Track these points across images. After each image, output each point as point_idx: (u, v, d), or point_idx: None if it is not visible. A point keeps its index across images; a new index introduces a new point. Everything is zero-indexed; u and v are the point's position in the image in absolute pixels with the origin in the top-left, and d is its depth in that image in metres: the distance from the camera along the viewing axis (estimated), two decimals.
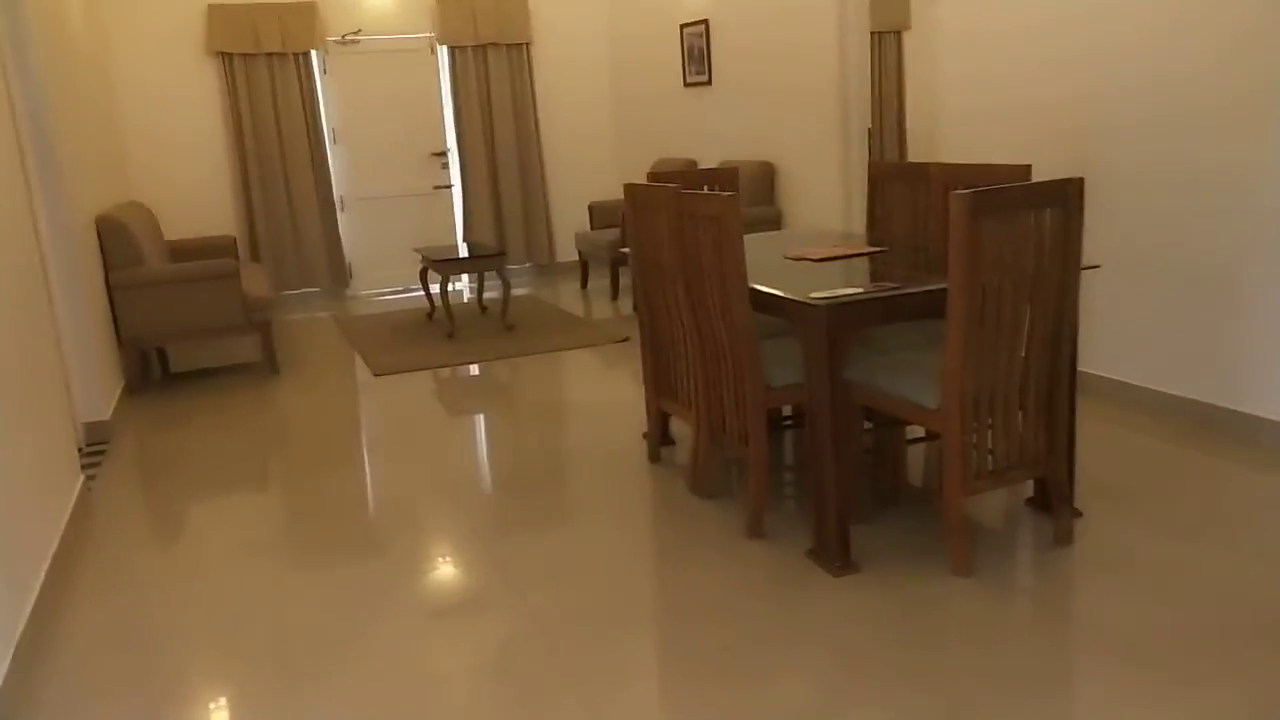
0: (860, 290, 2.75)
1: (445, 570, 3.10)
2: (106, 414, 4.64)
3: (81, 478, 3.84)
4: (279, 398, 5.29)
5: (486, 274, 7.29)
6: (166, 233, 7.51)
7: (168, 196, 7.63)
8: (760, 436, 3.07)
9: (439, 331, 6.57)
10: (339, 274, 8.21)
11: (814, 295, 2.73)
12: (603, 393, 5.00)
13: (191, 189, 7.71)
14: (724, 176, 4.31)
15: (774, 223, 6.54)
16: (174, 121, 7.59)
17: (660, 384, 3.79)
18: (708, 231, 3.05)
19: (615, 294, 7.43)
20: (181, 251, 6.91)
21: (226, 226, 7.80)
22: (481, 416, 4.75)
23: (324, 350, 6.39)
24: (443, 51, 8.25)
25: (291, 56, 7.73)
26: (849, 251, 3.49)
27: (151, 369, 6.05)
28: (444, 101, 8.35)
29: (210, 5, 7.48)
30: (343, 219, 8.22)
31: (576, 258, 8.31)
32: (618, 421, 4.47)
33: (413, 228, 8.45)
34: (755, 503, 3.11)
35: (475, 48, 8.25)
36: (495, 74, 8.34)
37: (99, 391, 4.69)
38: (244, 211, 7.82)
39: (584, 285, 8.01)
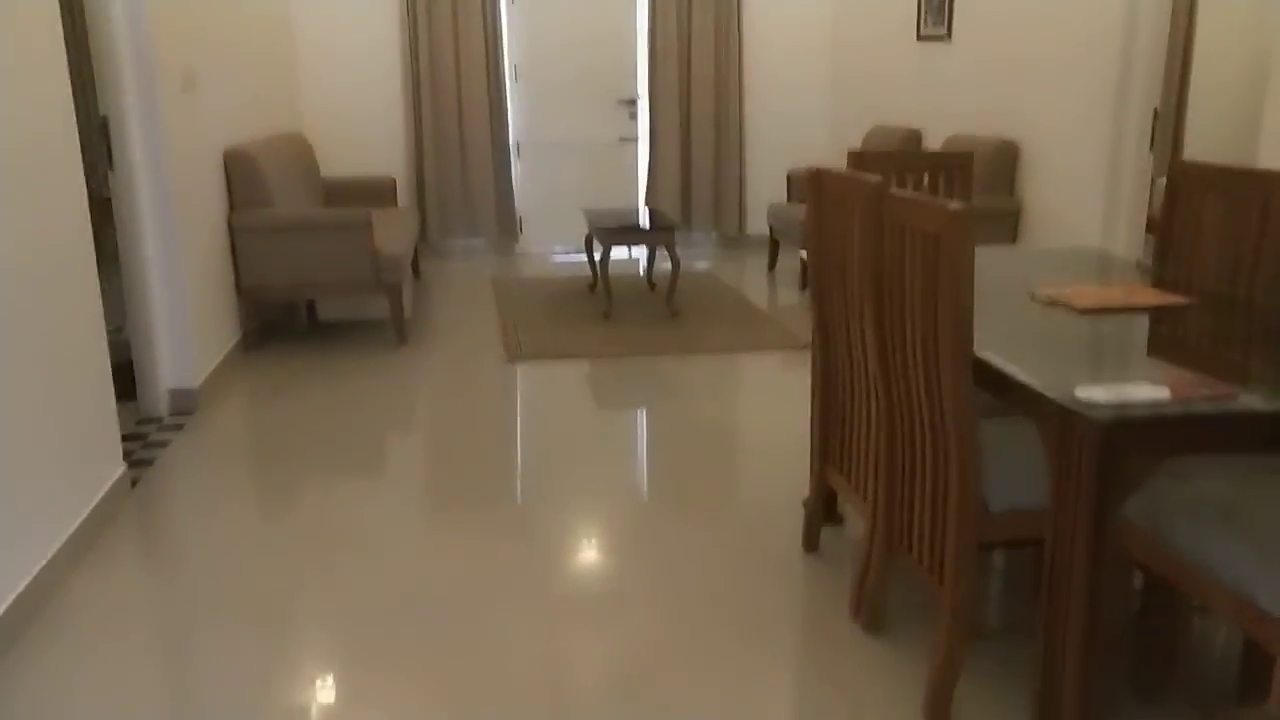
0: (1165, 398, 1.64)
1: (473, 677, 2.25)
2: (194, 381, 4.07)
3: (121, 470, 3.24)
4: (399, 373, 4.60)
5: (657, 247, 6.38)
6: (329, 169, 7.03)
7: (336, 130, 7.13)
8: (964, 579, 2.02)
9: (596, 309, 5.74)
10: (508, 226, 7.52)
11: (1083, 395, 1.64)
12: (766, 419, 4.01)
13: (362, 123, 7.17)
14: (955, 164, 3.18)
15: (1010, 219, 5.26)
16: (350, 50, 7.06)
17: (828, 446, 2.78)
18: (919, 255, 2.00)
19: (805, 283, 6.35)
20: (336, 191, 6.37)
21: (393, 166, 7.24)
22: (602, 437, 3.88)
23: (467, 316, 5.69)
24: None
25: None
26: (1132, 300, 2.33)
27: (280, 321, 5.54)
28: (639, 43, 7.43)
29: None
30: (517, 166, 7.51)
31: (768, 233, 7.26)
32: (777, 466, 3.49)
33: (592, 182, 7.64)
34: (941, 675, 2.07)
35: None
36: (699, 13, 7.33)
37: (198, 350, 4.14)
38: (413, 151, 7.23)
39: (771, 267, 6.96)
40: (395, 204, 6.54)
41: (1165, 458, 1.78)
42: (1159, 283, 2.58)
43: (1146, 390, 1.64)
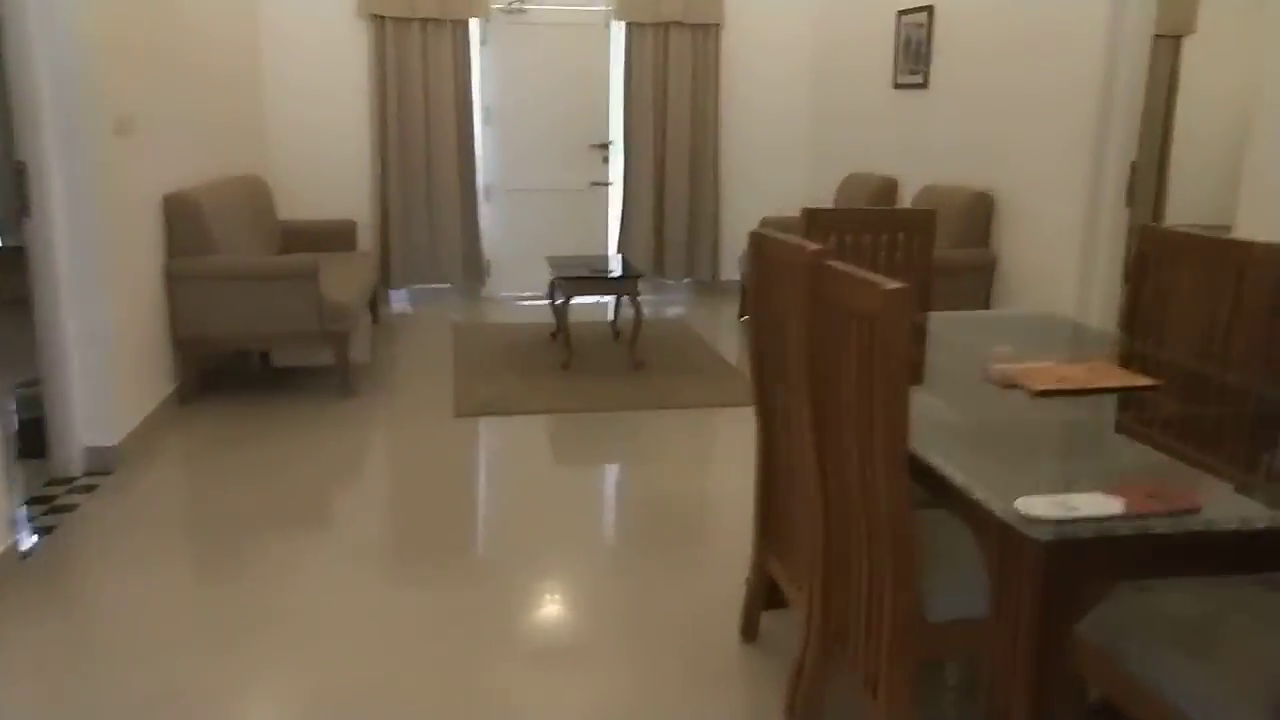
0: (1117, 512, 1.42)
1: None
2: (114, 437, 3.83)
3: (9, 541, 2.99)
4: (342, 428, 4.37)
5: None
6: (292, 212, 6.83)
7: (299, 172, 6.94)
8: (897, 700, 1.79)
9: (557, 359, 5.52)
10: (475, 271, 7.32)
11: (1025, 509, 1.42)
12: (725, 482, 3.78)
13: (327, 165, 6.99)
14: (916, 224, 2.99)
15: (985, 273, 5.08)
16: (315, 88, 6.89)
17: (768, 529, 2.55)
18: (855, 336, 1.79)
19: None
20: (294, 235, 6.17)
21: (358, 208, 7.05)
22: (542, 504, 3.64)
23: (422, 365, 5.47)
24: (618, 28, 7.18)
25: (449, 23, 6.87)
26: (1094, 381, 2.12)
27: (230, 368, 5.31)
28: (613, 86, 7.29)
29: None
30: (485, 210, 7.32)
31: (740, 278, 7.07)
32: (726, 540, 3.26)
33: (563, 227, 7.45)
34: None
35: (656, 26, 7.14)
36: (676, 58, 7.19)
37: (120, 404, 3.90)
38: (379, 193, 7.05)
39: (743, 315, 6.77)
40: (354, 248, 6.35)
41: (1119, 580, 1.56)
42: (1126, 358, 2.37)
43: (1097, 503, 1.42)
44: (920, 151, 5.88)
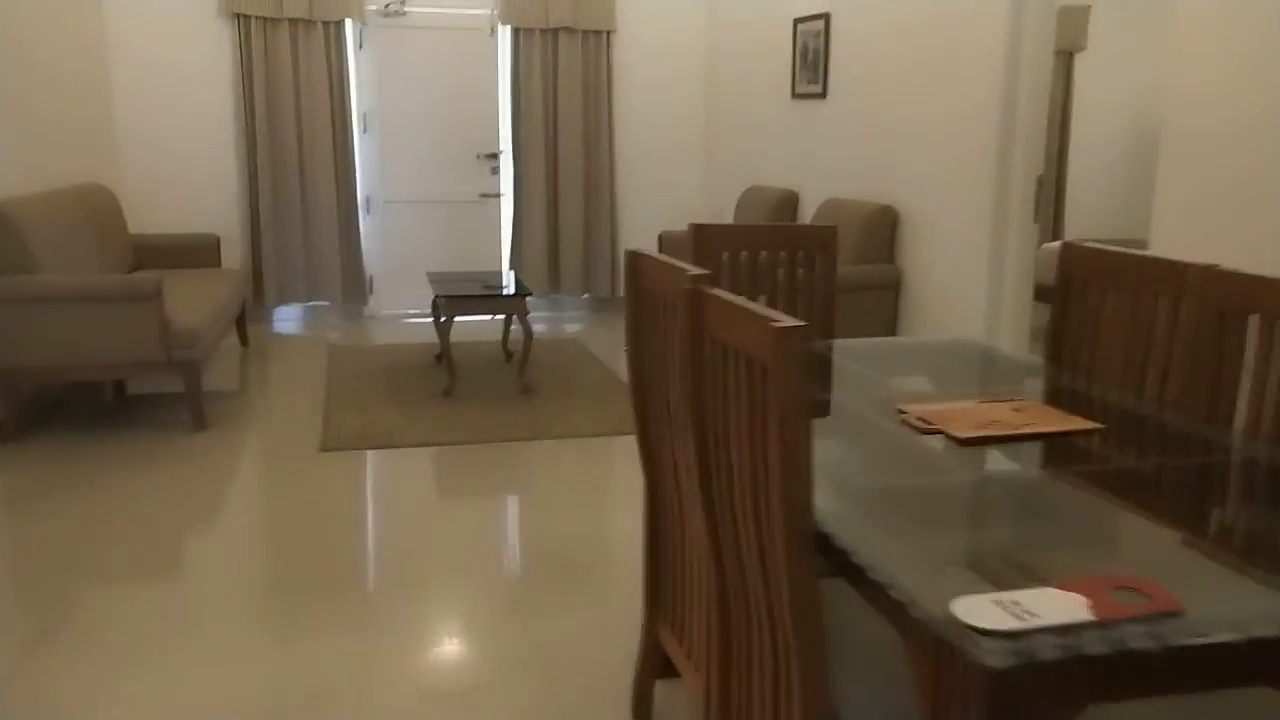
0: (1083, 620, 1.10)
1: None
2: None
3: None
4: (189, 466, 3.88)
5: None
6: (147, 225, 6.25)
7: (156, 182, 6.36)
8: None
9: (439, 384, 5.10)
10: (356, 288, 6.83)
11: (965, 616, 1.10)
12: (617, 522, 3.43)
13: (187, 174, 6.43)
14: (816, 242, 2.69)
15: (890, 290, 4.86)
16: (172, 92, 6.33)
17: (659, 596, 2.21)
18: (744, 383, 1.46)
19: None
20: (149, 251, 5.62)
21: (225, 221, 6.50)
22: (411, 548, 3.23)
23: (290, 392, 4.99)
24: (504, 33, 6.81)
25: (320, 25, 6.39)
26: (1025, 425, 1.84)
27: (71, 400, 4.74)
28: (501, 94, 6.90)
29: None
30: (366, 223, 6.85)
31: None
32: (619, 593, 2.90)
33: (452, 240, 7.03)
34: None
35: (545, 31, 6.78)
36: (566, 65, 6.85)
37: None
38: (247, 205, 6.51)
39: None
40: (218, 264, 5.82)
41: (1086, 705, 1.26)
42: (1055, 394, 2.11)
43: (1054, 604, 1.11)
44: (821, 164, 5.66)
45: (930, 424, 1.81)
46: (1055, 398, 2.07)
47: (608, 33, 6.90)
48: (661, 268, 1.86)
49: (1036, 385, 2.20)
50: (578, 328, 6.82)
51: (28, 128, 4.63)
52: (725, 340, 1.51)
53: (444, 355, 4.93)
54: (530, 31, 6.75)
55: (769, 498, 1.41)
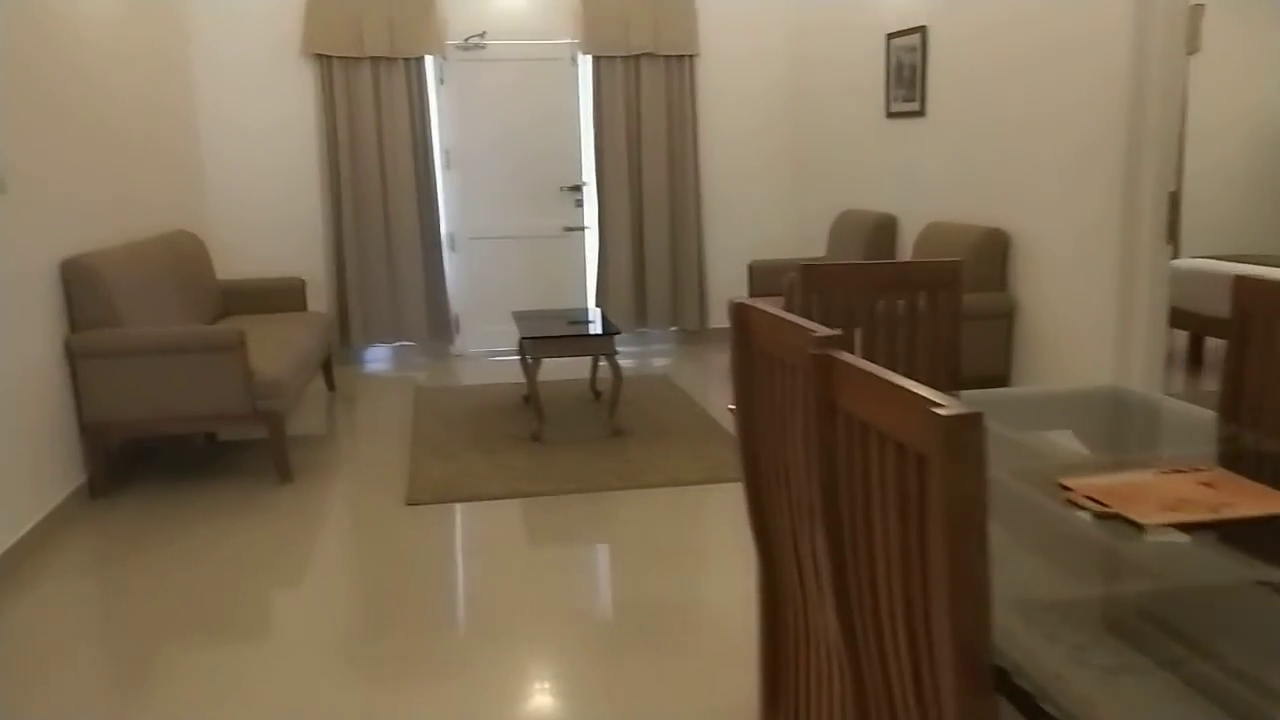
0: None
1: None
2: None
3: None
4: (273, 522, 3.76)
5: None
6: (230, 270, 6.26)
7: (243, 227, 6.38)
8: None
9: (527, 427, 4.93)
10: (441, 328, 6.75)
11: None
12: (719, 590, 3.18)
13: (273, 218, 6.43)
14: (939, 279, 2.42)
15: (1003, 322, 4.52)
16: (258, 136, 6.35)
17: (777, 693, 1.95)
18: (894, 475, 1.21)
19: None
20: (236, 296, 5.59)
21: (311, 263, 6.48)
22: (499, 608, 3.03)
23: (376, 439, 4.87)
24: (585, 62, 6.67)
25: (401, 62, 6.34)
26: (1224, 505, 1.54)
27: (150, 453, 4.70)
28: (583, 125, 6.77)
29: None
30: (450, 261, 6.76)
31: (729, 326, 6.51)
32: (725, 671, 2.65)
33: (536, 277, 6.89)
34: None
35: (626, 59, 6.63)
36: (649, 92, 6.68)
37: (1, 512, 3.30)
38: (332, 246, 6.48)
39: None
40: (304, 307, 5.77)
41: None
42: (1237, 457, 1.80)
43: None
44: (921, 185, 5.35)
45: (1105, 505, 1.52)
46: (1240, 462, 1.76)
47: (690, 57, 6.72)
48: (777, 324, 1.62)
49: (1210, 444, 1.89)
50: (666, 362, 6.60)
51: (114, 180, 4.64)
52: (867, 419, 1.26)
53: (531, 398, 4.76)
54: (611, 60, 6.60)
55: (930, 618, 1.16)
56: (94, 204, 4.34)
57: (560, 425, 4.99)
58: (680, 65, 6.71)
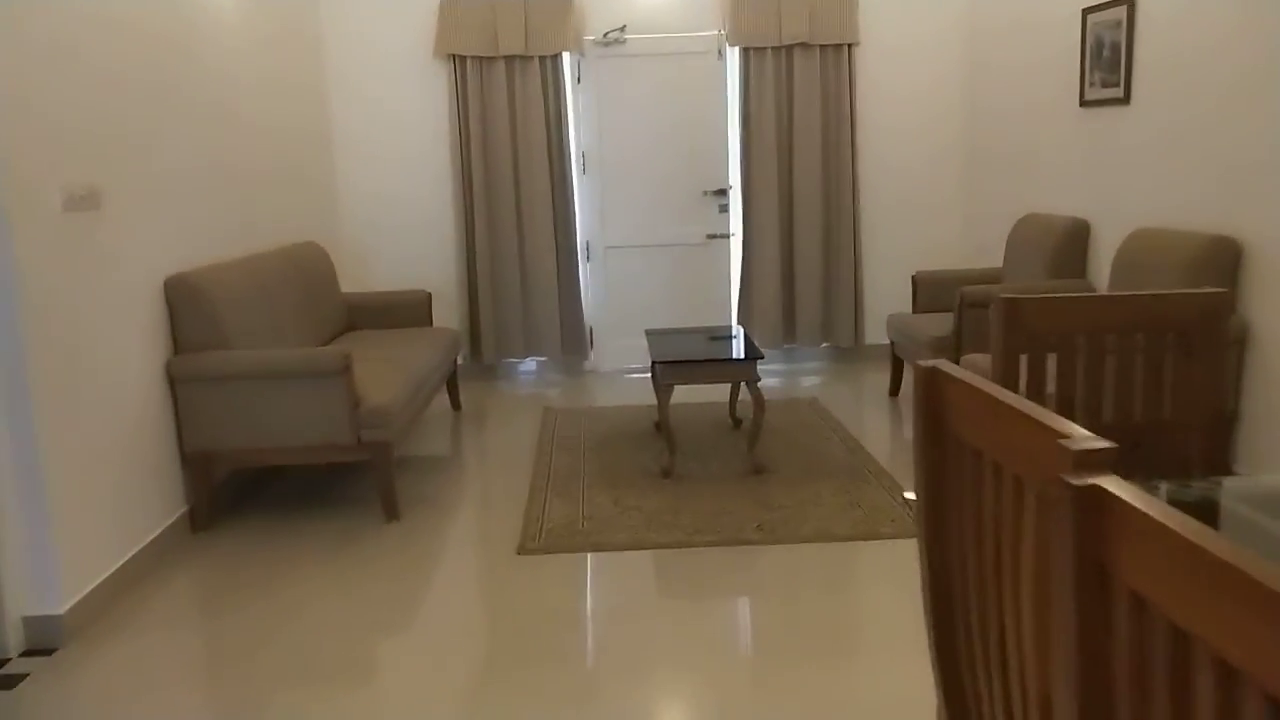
0: None
1: None
2: (60, 605, 2.94)
3: None
4: (373, 569, 3.39)
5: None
6: (359, 281, 6.02)
7: (370, 236, 6.15)
8: None
9: (657, 457, 4.44)
10: (576, 342, 6.34)
11: None
12: (887, 683, 2.58)
13: (402, 226, 6.17)
14: (1195, 314, 1.77)
15: (1234, 346, 3.72)
16: (387, 142, 6.10)
17: None
18: (1213, 683, 0.63)
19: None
20: (360, 311, 5.33)
21: (440, 274, 6.18)
22: (616, 695, 2.53)
23: (496, 469, 4.48)
24: (733, 55, 6.13)
25: (537, 61, 5.97)
26: None
27: (260, 481, 4.44)
28: (729, 123, 6.23)
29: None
30: (586, 271, 6.35)
31: (886, 339, 5.87)
32: None
33: (676, 288, 6.40)
34: None
35: (777, 50, 6.05)
36: (803, 86, 6.07)
37: (84, 555, 3.04)
38: (464, 256, 6.17)
39: (894, 392, 5.52)
40: (429, 322, 5.45)
41: None
42: None
43: None
44: (1122, 185, 4.56)
45: None
46: None
47: (849, 46, 6.07)
48: (994, 410, 1.05)
49: None
50: (815, 382, 5.99)
51: (243, 191, 4.41)
52: (1173, 611, 0.68)
53: (662, 428, 4.26)
54: (761, 51, 6.03)
55: None
56: (209, 218, 4.11)
57: (694, 457, 4.47)
58: (838, 55, 6.08)
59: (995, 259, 5.66)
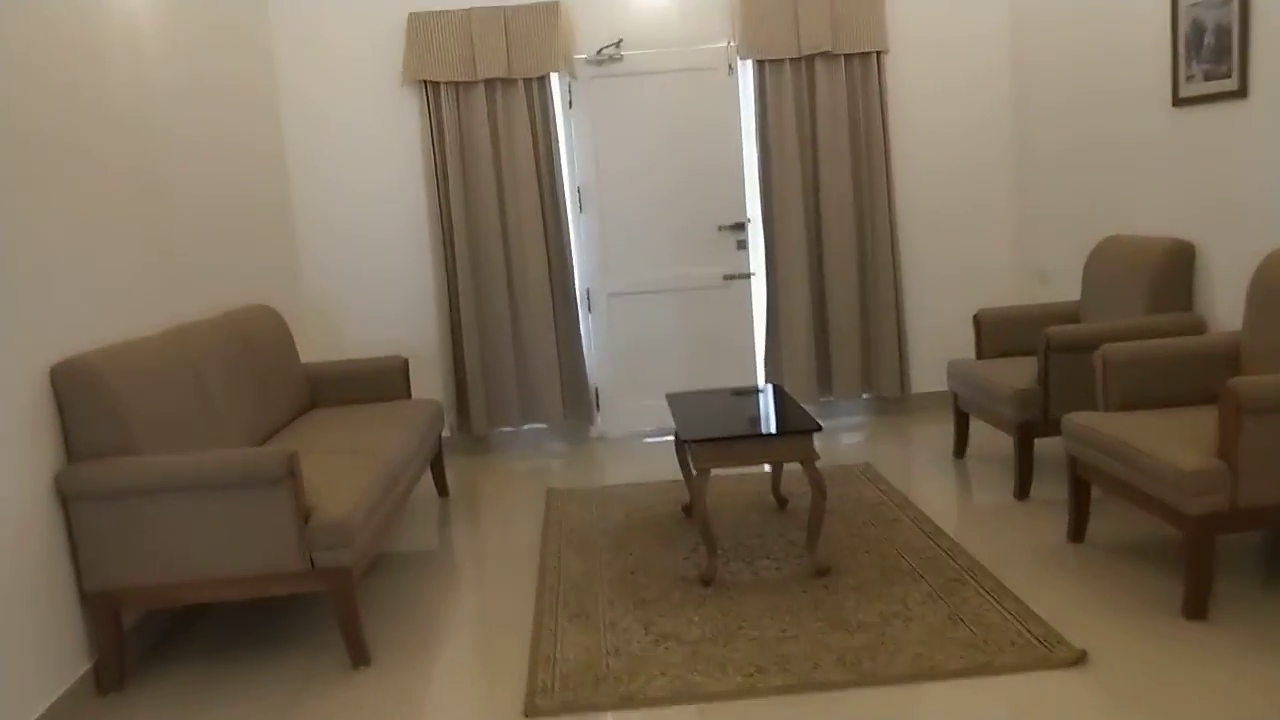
0: None
1: None
2: None
3: None
4: None
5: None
6: (325, 348, 5.17)
7: (339, 294, 5.31)
8: None
9: (691, 554, 3.58)
10: (580, 405, 5.48)
11: None
12: None
13: (374, 279, 5.34)
14: None
15: None
16: (353, 182, 5.28)
17: None
18: None
19: (1024, 487, 4.03)
20: (324, 384, 4.50)
21: (420, 335, 5.34)
22: None
23: (489, 577, 3.61)
24: (745, 70, 5.35)
25: (522, 84, 5.17)
26: None
27: (187, 619, 3.55)
28: (746, 148, 5.43)
29: (411, 15, 5.09)
30: (588, 323, 5.51)
31: (937, 386, 5.05)
32: None
33: (692, 338, 5.56)
34: None
35: (796, 61, 5.26)
36: (827, 102, 5.29)
37: None
38: (446, 313, 5.33)
39: (960, 453, 4.67)
40: (407, 393, 4.60)
41: None
42: None
43: None
44: (1240, 198, 3.75)
45: None
46: None
47: (878, 54, 5.29)
48: None
49: None
50: (859, 440, 5.16)
51: (172, 250, 3.58)
52: None
53: (698, 522, 3.39)
54: (779, 64, 5.25)
55: None
56: (119, 280, 3.27)
57: (737, 554, 3.61)
58: (866, 65, 5.30)
59: (1070, 290, 4.83)
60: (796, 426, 3.39)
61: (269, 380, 3.98)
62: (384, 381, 4.55)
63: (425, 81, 5.14)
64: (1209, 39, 3.82)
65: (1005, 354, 4.55)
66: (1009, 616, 2.97)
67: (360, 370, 4.56)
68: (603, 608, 3.25)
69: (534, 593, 3.44)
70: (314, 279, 5.27)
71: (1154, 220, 4.29)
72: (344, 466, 3.30)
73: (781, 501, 4.12)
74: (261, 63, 4.95)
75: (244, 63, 4.69)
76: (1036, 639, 2.81)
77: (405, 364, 4.59)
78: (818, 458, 3.34)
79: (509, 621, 3.23)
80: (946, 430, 4.90)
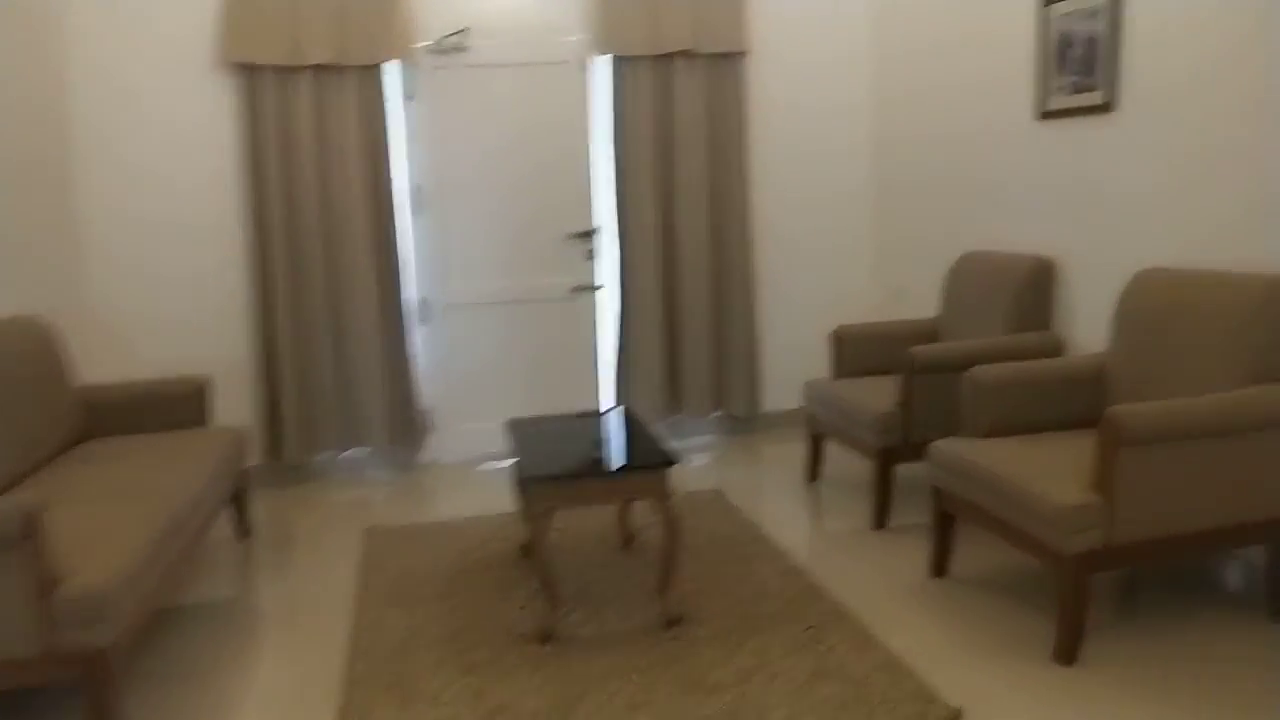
0: None
1: None
2: None
3: None
4: None
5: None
6: (113, 367, 4.49)
7: (132, 301, 4.63)
8: None
9: (528, 604, 3.17)
10: (407, 427, 4.97)
11: None
12: None
13: (174, 286, 4.68)
14: None
15: None
16: (152, 176, 4.61)
17: None
18: None
19: (882, 516, 3.80)
20: (104, 412, 3.86)
21: (226, 350, 4.72)
22: None
23: (291, 643, 3.09)
24: (600, 66, 4.98)
25: (353, 72, 4.63)
26: None
27: None
28: (597, 149, 5.06)
29: None
30: (420, 336, 5.01)
31: (787, 405, 4.83)
32: None
33: (535, 354, 5.13)
34: None
35: (655, 60, 4.93)
36: (684, 104, 4.97)
37: None
38: (258, 325, 4.72)
39: (813, 477, 4.43)
40: (204, 420, 4.00)
41: None
42: None
43: None
44: (1104, 213, 3.64)
45: None
46: None
47: (739, 55, 5.02)
48: None
49: None
50: (707, 461, 4.87)
51: None
52: None
53: (539, 570, 2.98)
54: (635, 61, 4.90)
55: None
56: None
57: (580, 601, 3.23)
58: (727, 66, 5.02)
59: (928, 306, 4.67)
60: (650, 461, 3.02)
61: (23, 411, 3.32)
62: (178, 406, 3.93)
63: (244, 65, 4.53)
64: (1077, 51, 3.68)
65: (863, 373, 4.35)
66: (877, 668, 2.69)
67: (149, 392, 3.92)
68: (426, 673, 2.80)
69: (344, 659, 2.95)
70: (104, 282, 4.57)
71: (1016, 236, 4.16)
72: (113, 517, 2.73)
73: (626, 540, 3.75)
74: (41, 19, 4.23)
75: (18, 19, 3.98)
76: (908, 695, 2.54)
77: (202, 386, 3.98)
78: (671, 494, 2.99)
79: (312, 698, 2.74)
80: (797, 451, 4.68)
